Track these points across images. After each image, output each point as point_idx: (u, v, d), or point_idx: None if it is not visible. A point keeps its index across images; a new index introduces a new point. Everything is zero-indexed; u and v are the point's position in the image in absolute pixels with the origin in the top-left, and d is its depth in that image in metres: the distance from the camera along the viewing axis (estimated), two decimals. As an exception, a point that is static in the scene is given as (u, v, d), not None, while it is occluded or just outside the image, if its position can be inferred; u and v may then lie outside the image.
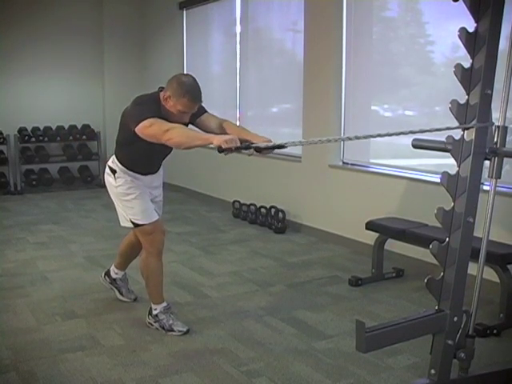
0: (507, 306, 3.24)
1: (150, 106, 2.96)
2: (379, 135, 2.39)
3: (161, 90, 3.06)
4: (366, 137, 2.55)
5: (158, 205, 3.37)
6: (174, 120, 2.94)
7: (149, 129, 2.82)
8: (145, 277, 3.30)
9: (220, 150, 2.61)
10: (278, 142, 2.67)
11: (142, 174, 3.23)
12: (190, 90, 2.95)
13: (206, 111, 3.21)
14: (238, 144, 2.62)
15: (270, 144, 2.75)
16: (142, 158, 3.16)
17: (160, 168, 3.38)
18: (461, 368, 2.39)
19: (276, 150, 3.00)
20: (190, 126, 3.18)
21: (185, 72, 7.63)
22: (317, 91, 5.27)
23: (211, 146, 2.68)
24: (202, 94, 3.02)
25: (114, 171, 3.21)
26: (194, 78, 3.04)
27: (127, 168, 3.19)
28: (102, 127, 8.37)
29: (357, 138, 2.37)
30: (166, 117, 2.95)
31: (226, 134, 2.97)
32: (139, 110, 2.92)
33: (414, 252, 4.16)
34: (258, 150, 2.80)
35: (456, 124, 2.34)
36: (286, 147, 2.61)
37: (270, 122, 6.25)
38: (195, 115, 3.13)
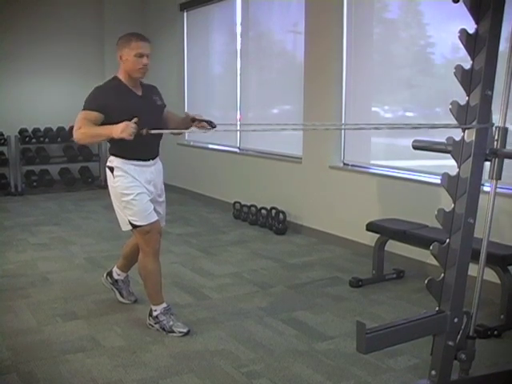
0: (508, 307, 3.24)
1: (98, 92, 3.20)
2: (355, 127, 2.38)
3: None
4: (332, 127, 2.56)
5: (161, 206, 3.36)
6: (138, 74, 3.18)
7: (75, 121, 3.10)
8: (143, 277, 3.30)
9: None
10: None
11: (140, 161, 3.21)
12: (133, 33, 3.21)
13: (165, 105, 3.44)
14: (133, 127, 2.90)
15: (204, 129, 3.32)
16: (132, 140, 3.12)
17: (158, 158, 3.36)
18: (461, 369, 2.39)
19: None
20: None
21: (185, 74, 7.66)
22: (317, 92, 5.28)
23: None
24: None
25: (111, 169, 3.21)
26: None
27: (124, 158, 3.18)
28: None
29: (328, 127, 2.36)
30: (131, 87, 3.20)
31: (177, 122, 3.42)
32: (86, 100, 3.17)
33: (414, 253, 4.16)
34: (194, 119, 3.34)
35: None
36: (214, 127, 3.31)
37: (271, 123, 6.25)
38: (162, 101, 3.38)
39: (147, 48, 3.18)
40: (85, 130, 3.07)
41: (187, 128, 3.42)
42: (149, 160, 3.27)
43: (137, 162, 3.20)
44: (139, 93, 3.25)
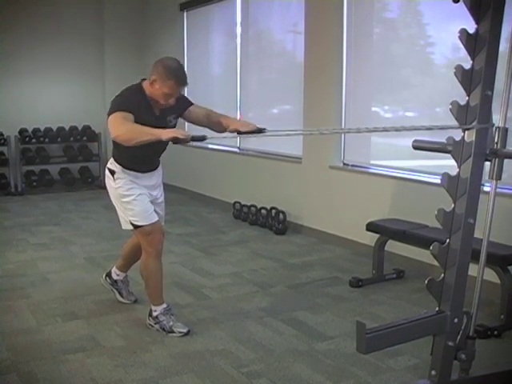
0: (508, 307, 3.24)
1: (126, 97, 3.04)
2: (363, 130, 2.38)
3: (143, 80, 3.14)
4: (347, 131, 2.56)
5: (160, 206, 3.36)
6: (160, 104, 3.05)
7: (109, 123, 2.92)
8: (144, 278, 3.30)
9: (175, 141, 2.76)
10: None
11: (141, 172, 3.22)
12: (176, 73, 3.02)
13: (192, 103, 3.30)
14: (189, 134, 2.80)
15: (247, 130, 3.02)
16: (137, 154, 3.13)
17: (159, 166, 3.38)
18: (461, 369, 2.39)
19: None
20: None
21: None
22: (317, 92, 5.28)
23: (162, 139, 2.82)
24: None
25: (112, 172, 3.21)
26: (179, 62, 3.10)
27: (125, 167, 3.19)
28: (103, 128, 8.35)
29: (341, 131, 2.37)
30: (152, 103, 3.05)
31: (211, 122, 3.22)
32: (114, 103, 3.01)
33: (414, 253, 4.16)
34: (239, 132, 3.08)
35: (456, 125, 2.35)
36: (264, 132, 2.99)
37: (271, 124, 6.23)
38: (183, 108, 3.24)
39: (180, 91, 3.08)
40: (131, 126, 2.88)
41: (223, 131, 3.20)
42: (149, 172, 3.28)
43: (137, 173, 3.21)
44: (157, 112, 3.12)
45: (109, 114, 2.95)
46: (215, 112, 3.33)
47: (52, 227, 5.90)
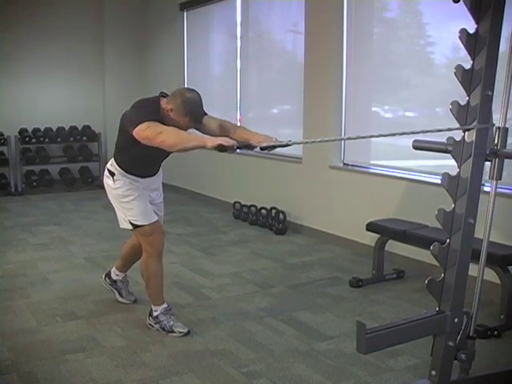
0: (508, 307, 3.24)
1: (149, 109, 2.97)
2: (381, 135, 2.39)
3: (162, 95, 3.08)
4: (367, 137, 2.56)
5: (158, 207, 3.36)
6: (172, 126, 2.96)
7: (144, 131, 2.83)
8: (145, 278, 3.30)
9: (221, 149, 2.67)
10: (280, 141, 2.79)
11: (141, 177, 3.23)
12: (193, 111, 2.98)
13: (205, 113, 3.21)
14: (234, 142, 2.71)
15: (272, 144, 2.82)
16: (141, 161, 3.15)
17: (159, 170, 3.38)
18: (461, 369, 2.39)
19: (278, 150, 3.01)
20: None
21: (185, 74, 7.65)
22: (317, 92, 5.28)
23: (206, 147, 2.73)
24: (203, 99, 3.04)
25: (112, 174, 3.22)
26: (198, 95, 3.03)
27: (125, 171, 3.19)
28: (103, 128, 8.38)
29: (358, 137, 2.38)
30: (165, 122, 2.97)
31: (226, 134, 3.05)
32: (138, 113, 2.93)
33: (414, 253, 4.16)
34: (261, 147, 2.88)
35: (456, 125, 2.34)
36: (290, 145, 2.73)
37: (271, 124, 6.26)
38: None
39: (194, 126, 3.06)
40: (176, 132, 2.81)
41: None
42: (149, 177, 3.28)
43: (137, 177, 3.21)
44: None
45: (136, 124, 2.85)
46: (230, 123, 3.24)
47: (52, 227, 5.90)
